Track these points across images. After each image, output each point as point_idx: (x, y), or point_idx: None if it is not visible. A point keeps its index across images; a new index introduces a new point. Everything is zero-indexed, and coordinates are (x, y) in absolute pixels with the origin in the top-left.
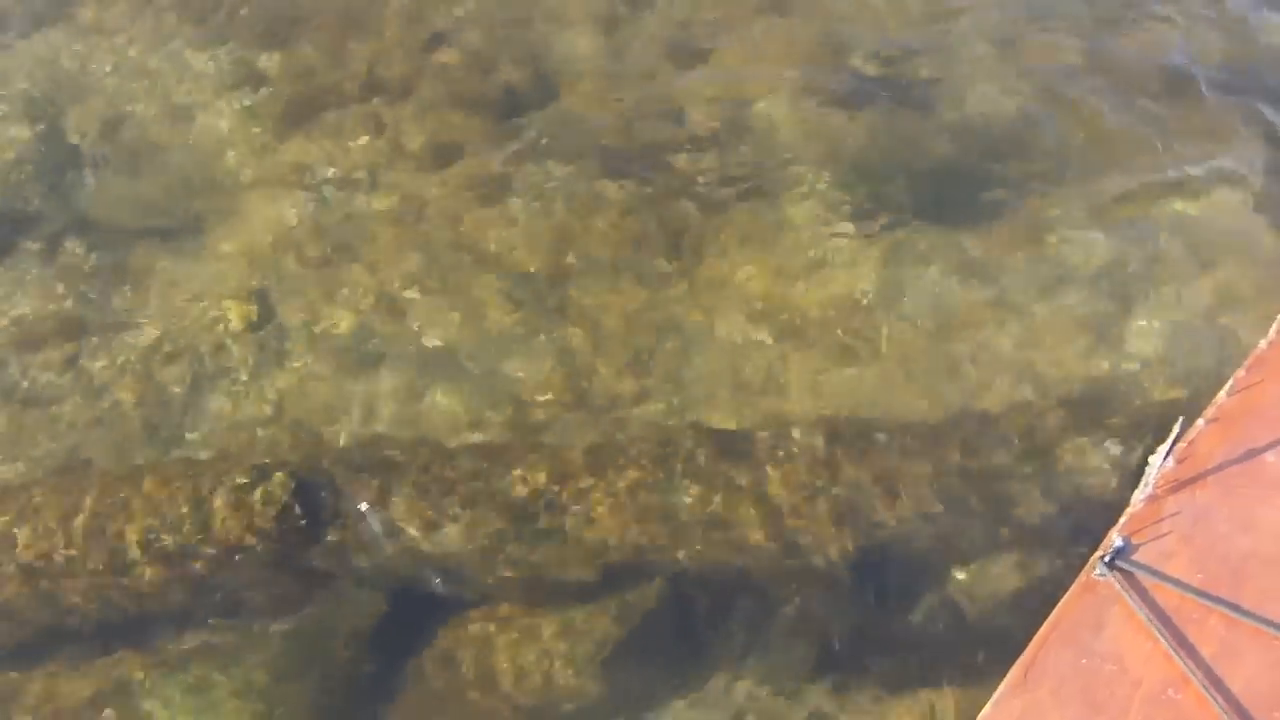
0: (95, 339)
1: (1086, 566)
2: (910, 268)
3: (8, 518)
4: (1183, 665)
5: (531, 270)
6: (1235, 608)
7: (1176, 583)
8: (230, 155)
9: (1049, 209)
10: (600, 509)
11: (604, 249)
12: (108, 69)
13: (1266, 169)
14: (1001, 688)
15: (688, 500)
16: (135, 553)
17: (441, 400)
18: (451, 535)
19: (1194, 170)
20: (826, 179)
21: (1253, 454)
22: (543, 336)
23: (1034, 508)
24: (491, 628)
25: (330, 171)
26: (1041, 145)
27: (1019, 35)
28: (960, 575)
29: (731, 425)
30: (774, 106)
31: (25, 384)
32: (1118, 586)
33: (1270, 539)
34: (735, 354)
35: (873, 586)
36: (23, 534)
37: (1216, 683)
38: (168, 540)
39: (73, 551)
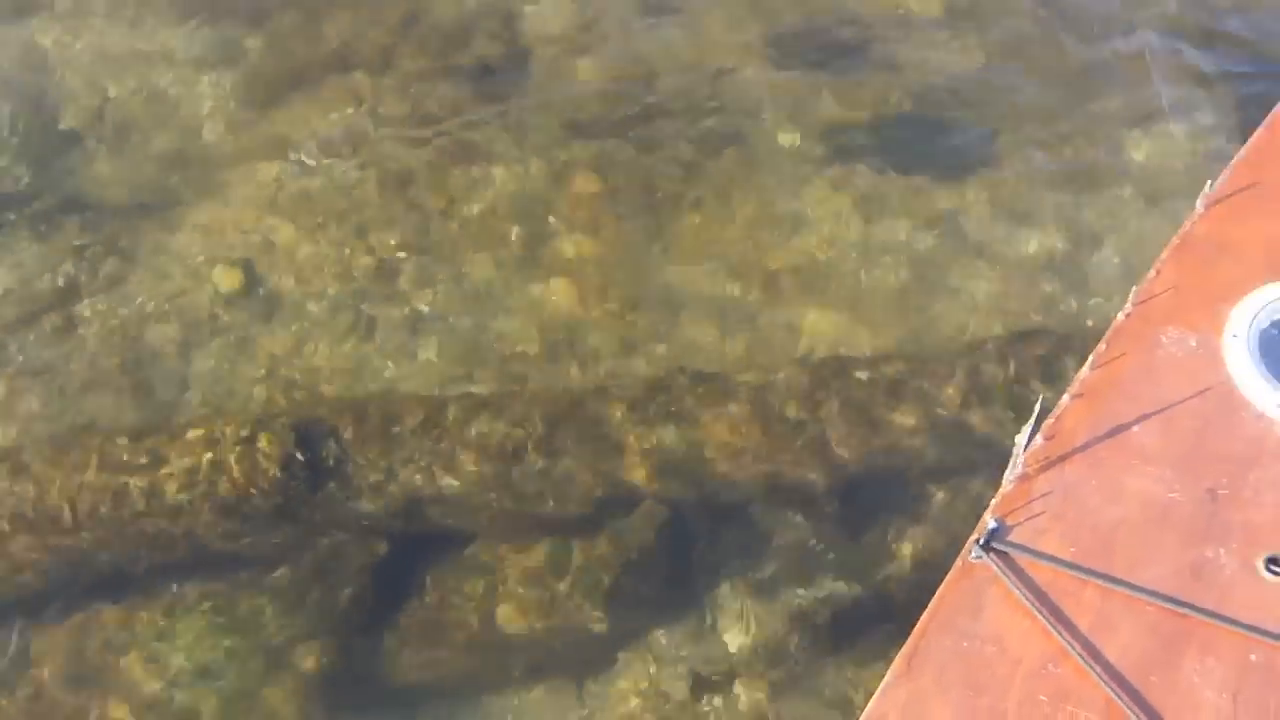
0: (87, 308)
1: (963, 551)
2: (882, 218)
3: (12, 477)
4: (1060, 639)
5: (514, 232)
6: (1108, 577)
7: (1050, 558)
8: (212, 130)
9: (1008, 156)
10: (590, 448)
11: (583, 210)
12: (88, 52)
13: (1210, 109)
14: (886, 678)
15: (674, 436)
16: (140, 504)
17: (433, 357)
18: (448, 478)
19: (1143, 112)
20: (797, 135)
21: (1118, 426)
22: (527, 294)
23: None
24: (490, 562)
25: (312, 143)
26: (999, 97)
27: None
28: (940, 494)
29: (715, 369)
30: (743, 69)
31: (20, 356)
32: (994, 568)
33: (1138, 507)
34: (715, 304)
35: (856, 509)
36: (30, 490)
37: (1094, 653)
38: (173, 491)
39: (80, 505)
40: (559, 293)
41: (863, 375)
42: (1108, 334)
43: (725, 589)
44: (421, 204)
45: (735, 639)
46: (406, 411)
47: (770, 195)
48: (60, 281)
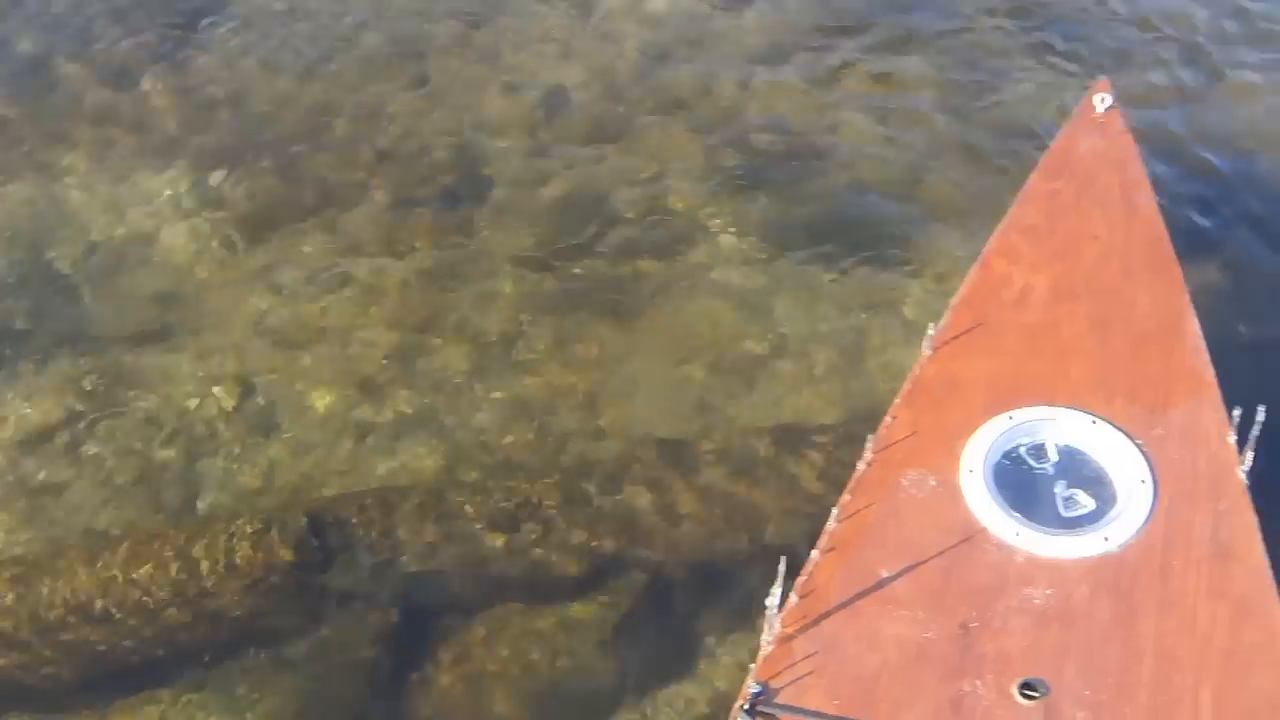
0: (95, 431)
1: (730, 718)
2: (820, 304)
3: (36, 584)
4: None
5: (489, 339)
6: None
7: (815, 714)
8: (198, 268)
9: (937, 243)
10: (576, 518)
11: (549, 316)
12: (78, 204)
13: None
14: None
15: (649, 502)
16: (162, 593)
17: (421, 453)
18: (448, 552)
19: None
20: (738, 239)
21: (869, 574)
22: (503, 393)
23: None
24: (493, 626)
25: (294, 272)
26: (926, 191)
27: (893, 107)
28: None
29: (681, 441)
30: (684, 185)
31: (37, 476)
32: None
33: (895, 651)
34: (673, 389)
35: None
36: (49, 594)
37: None
38: (192, 582)
39: (103, 602)
40: (531, 389)
41: (822, 439)
42: (850, 484)
43: (712, 641)
44: (400, 321)
45: (724, 683)
46: (403, 498)
47: (718, 292)
48: (66, 409)
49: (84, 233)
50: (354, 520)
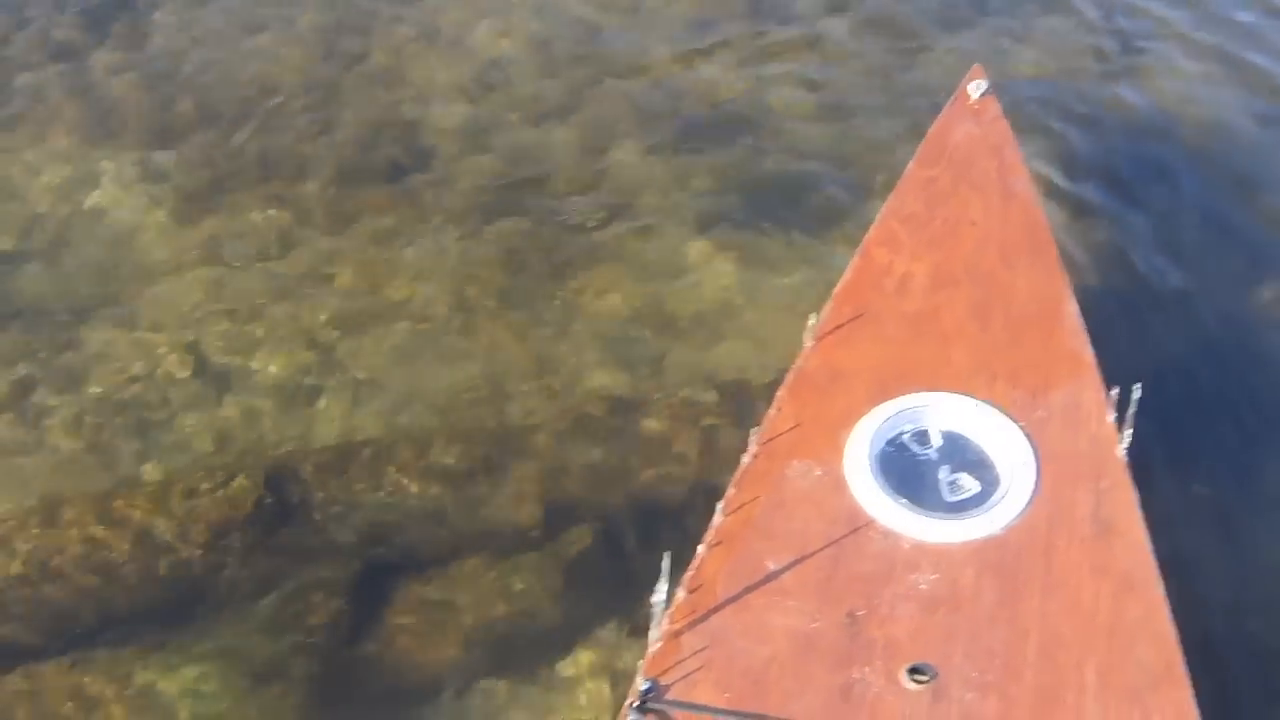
0: (47, 400)
1: (619, 717)
2: (757, 267)
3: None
4: None
5: (435, 305)
6: (762, 717)
7: (705, 709)
8: (145, 241)
9: (865, 208)
10: (529, 470)
11: (495, 280)
12: (22, 180)
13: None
14: None
15: (602, 454)
16: (122, 553)
17: (373, 413)
18: (405, 504)
19: None
20: (680, 203)
21: (756, 567)
22: (453, 356)
23: None
24: (454, 575)
25: (241, 243)
26: (856, 156)
27: (822, 77)
28: None
29: (630, 396)
30: (623, 154)
31: None
32: None
33: (785, 642)
34: (618, 348)
35: None
36: (4, 555)
37: None
38: (150, 540)
39: (60, 560)
40: (479, 350)
41: (760, 392)
42: (735, 478)
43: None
44: (347, 288)
45: None
46: (357, 456)
47: (660, 255)
48: (18, 379)
49: (29, 208)
50: (308, 478)
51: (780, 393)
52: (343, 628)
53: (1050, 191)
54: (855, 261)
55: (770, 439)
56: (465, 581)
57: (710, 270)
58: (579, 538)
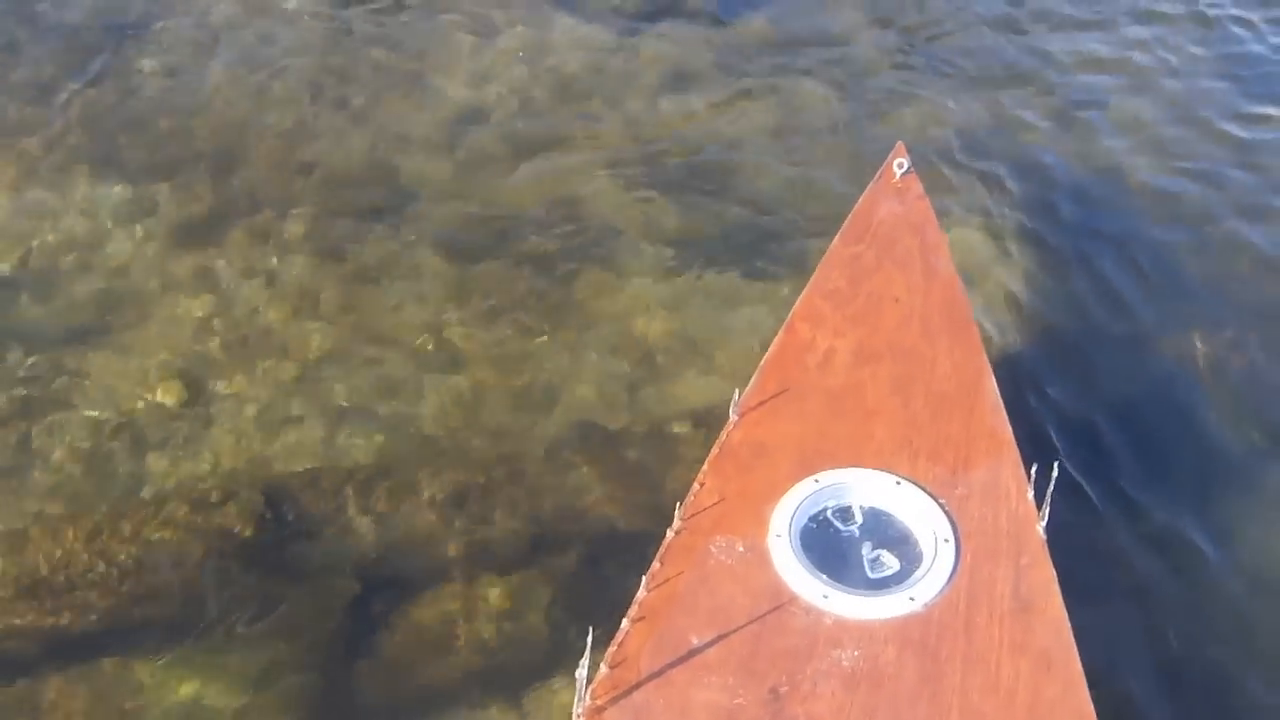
0: (42, 425)
1: None
2: (727, 306)
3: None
4: None
5: (420, 338)
6: None
7: None
8: (135, 271)
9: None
10: (515, 496)
11: (477, 316)
12: (12, 212)
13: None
14: None
15: (586, 479)
16: (120, 571)
17: (363, 443)
18: (399, 526)
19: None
20: (652, 244)
21: (679, 643)
22: (438, 387)
23: None
24: (447, 595)
25: (230, 274)
26: (815, 203)
27: (788, 126)
28: None
29: (609, 426)
30: (598, 197)
31: None
32: None
33: (707, 718)
34: (598, 382)
35: None
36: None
37: None
38: (148, 558)
39: (60, 578)
40: (463, 383)
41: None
42: (660, 553)
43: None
44: (333, 319)
45: None
46: (348, 480)
47: (634, 293)
48: (11, 405)
49: (20, 239)
50: (301, 501)
51: (704, 467)
52: (337, 647)
53: (980, 253)
54: (780, 336)
55: (694, 514)
56: (454, 603)
57: (685, 309)
58: (566, 563)
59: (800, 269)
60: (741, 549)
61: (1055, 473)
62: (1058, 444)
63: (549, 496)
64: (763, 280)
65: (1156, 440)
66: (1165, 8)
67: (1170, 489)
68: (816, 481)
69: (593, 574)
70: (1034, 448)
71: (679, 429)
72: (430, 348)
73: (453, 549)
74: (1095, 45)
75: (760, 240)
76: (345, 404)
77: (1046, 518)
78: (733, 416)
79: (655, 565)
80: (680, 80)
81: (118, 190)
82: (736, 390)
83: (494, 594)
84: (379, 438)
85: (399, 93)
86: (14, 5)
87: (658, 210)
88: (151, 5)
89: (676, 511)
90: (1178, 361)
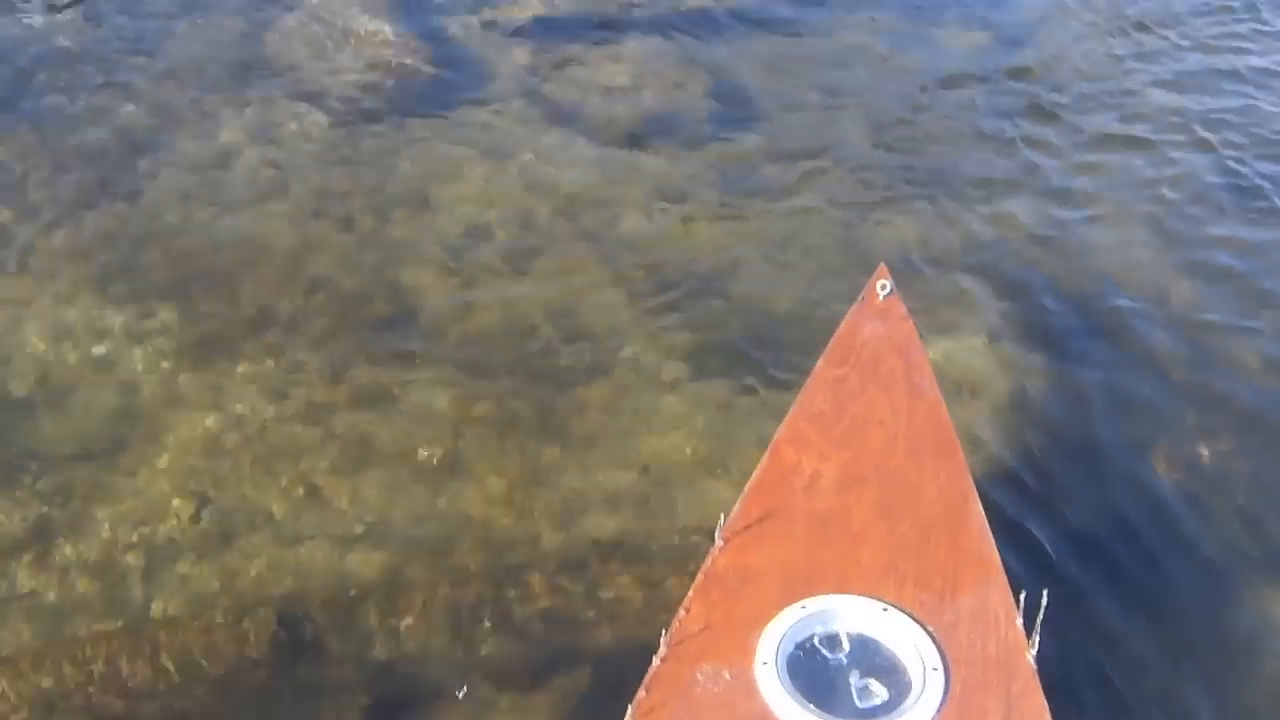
0: (58, 544)
1: None
2: (735, 417)
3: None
4: None
5: (428, 455)
6: None
7: None
8: (148, 389)
9: None
10: (527, 614)
11: (485, 432)
12: (26, 333)
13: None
14: None
15: (592, 599)
16: (134, 693)
17: (375, 559)
18: (412, 643)
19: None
20: (658, 356)
21: None
22: (447, 504)
23: None
24: (456, 716)
25: (241, 392)
26: (817, 314)
27: (787, 239)
28: None
29: (621, 541)
30: (602, 312)
31: (2, 587)
32: None
33: None
34: (610, 494)
35: None
36: (15, 693)
37: None
38: (162, 679)
39: (71, 702)
40: (473, 496)
41: None
42: (645, 680)
43: None
44: (343, 435)
45: None
46: (360, 598)
47: (642, 405)
48: (29, 524)
49: (35, 360)
50: (315, 618)
51: (689, 593)
52: None
53: (967, 371)
54: (764, 460)
55: (680, 640)
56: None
57: (692, 422)
58: (577, 679)
59: (801, 381)
60: (728, 677)
61: (1045, 599)
62: (1047, 568)
63: (560, 613)
64: (767, 394)
65: (1150, 562)
66: (1151, 123)
67: (1164, 614)
68: (803, 608)
69: (607, 691)
70: (1023, 572)
71: (691, 541)
72: (438, 463)
73: (463, 664)
74: (1085, 159)
75: (763, 353)
76: (355, 520)
77: (1037, 645)
78: (718, 541)
79: (641, 693)
80: (679, 195)
81: (129, 309)
82: (721, 514)
83: (506, 711)
84: (389, 554)
85: (403, 211)
86: (24, 127)
87: (661, 324)
88: (160, 128)
89: (662, 638)
90: (1170, 478)
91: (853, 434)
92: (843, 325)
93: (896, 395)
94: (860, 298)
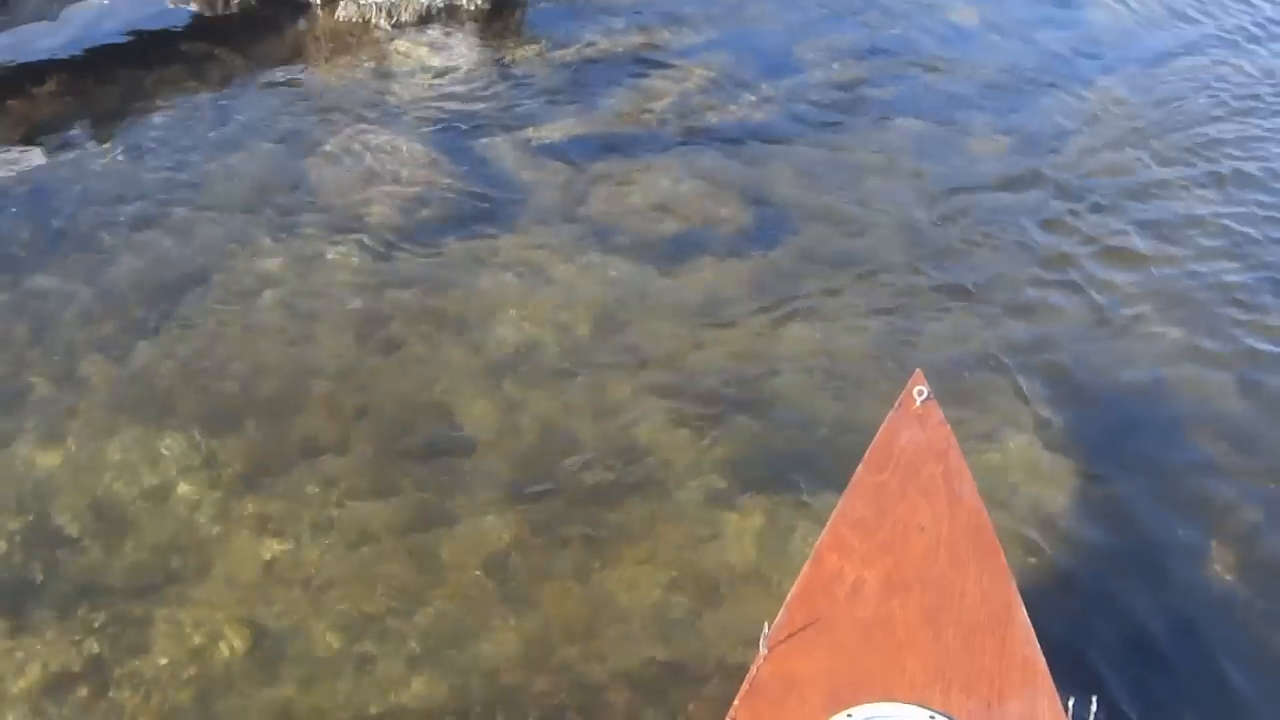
0: (113, 676)
1: None
2: (783, 531)
3: None
4: None
5: (480, 577)
6: None
7: None
8: (200, 519)
9: None
10: None
11: (537, 554)
12: (79, 466)
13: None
14: None
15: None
16: None
17: (431, 688)
18: None
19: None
20: (703, 471)
21: None
22: (501, 627)
23: None
24: None
25: (291, 520)
26: (860, 424)
27: (828, 349)
28: None
29: (671, 657)
30: (647, 428)
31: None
32: None
33: None
34: (662, 613)
35: None
36: None
37: None
38: None
39: None
40: (526, 619)
41: None
42: None
43: None
44: (393, 561)
45: None
46: None
47: (690, 523)
48: (84, 657)
49: (87, 492)
50: None
51: (735, 702)
52: None
53: (1006, 475)
54: (807, 567)
55: None
56: None
57: (738, 535)
58: None
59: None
60: None
61: (1094, 706)
62: (1095, 674)
63: None
64: (811, 502)
65: (1201, 669)
66: (1182, 226)
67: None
68: (849, 716)
69: None
70: (1069, 678)
71: (736, 657)
72: (492, 586)
73: None
74: (1114, 262)
75: (805, 462)
76: (410, 646)
77: None
78: (762, 649)
79: None
80: (716, 308)
81: (178, 440)
82: (766, 623)
83: None
84: (444, 679)
85: (445, 333)
86: (70, 261)
87: (705, 437)
88: (204, 259)
89: None
90: (1218, 585)
91: (894, 540)
92: (881, 431)
93: (937, 500)
94: (897, 404)
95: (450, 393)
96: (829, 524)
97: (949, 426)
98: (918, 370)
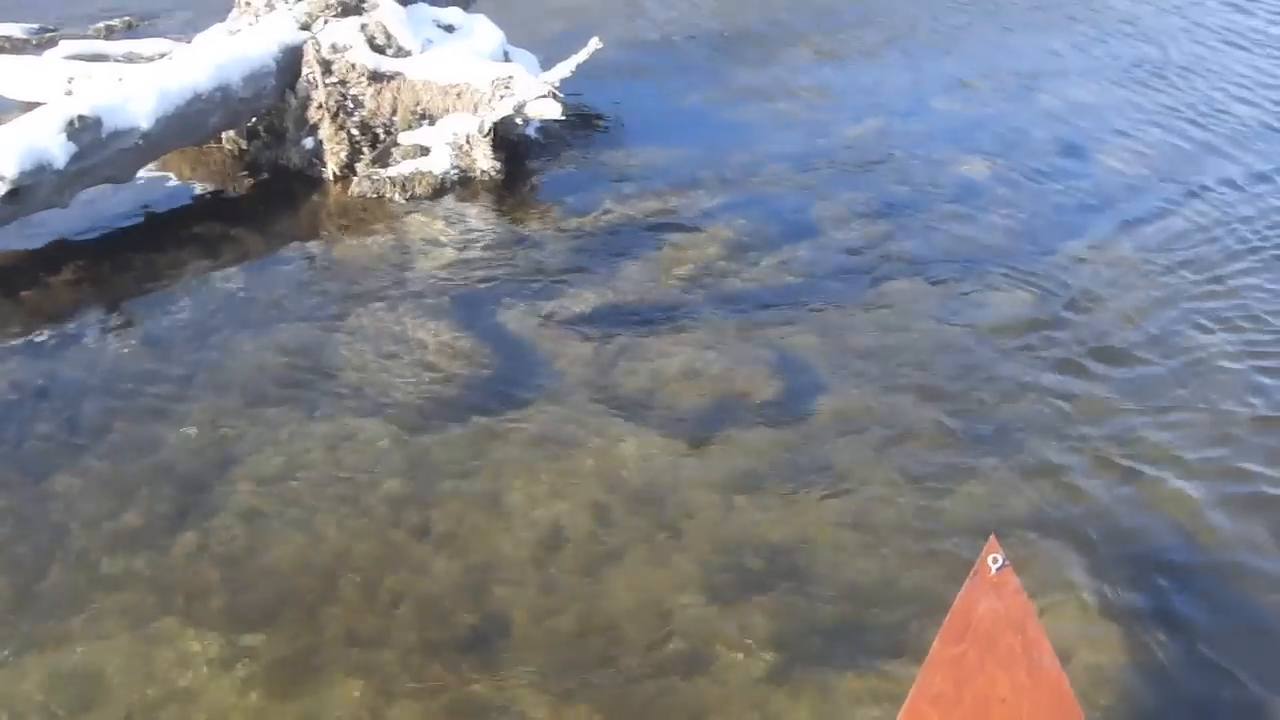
0: None
1: None
2: (834, 707)
3: None
4: None
5: None
6: None
7: None
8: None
9: (918, 639)
10: None
11: None
12: (109, 669)
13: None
14: None
15: None
16: None
17: None
18: None
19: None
20: (747, 648)
21: None
22: None
23: None
24: None
25: (331, 717)
26: (905, 594)
27: (862, 517)
28: None
29: None
30: (687, 605)
31: None
32: None
33: None
34: None
35: None
36: None
37: None
38: None
39: None
40: None
41: None
42: None
43: None
44: None
45: None
46: None
47: (738, 701)
48: None
49: (117, 698)
50: None
51: None
52: None
53: (1079, 640)
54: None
55: None
56: None
57: (788, 713)
58: None
59: (897, 665)
60: None
61: None
62: None
63: None
64: (865, 675)
65: None
66: (1216, 369)
67: None
68: None
69: None
70: None
71: None
72: None
73: None
74: (1149, 407)
75: (854, 634)
76: None
77: None
78: None
79: None
80: (749, 478)
81: (210, 637)
82: None
83: None
84: None
85: (478, 515)
86: (91, 457)
87: (747, 614)
88: (228, 447)
89: None
90: None
91: (975, 715)
92: (957, 601)
93: (1017, 672)
94: (973, 572)
95: (484, 576)
96: (908, 700)
97: (1025, 594)
98: (992, 537)
